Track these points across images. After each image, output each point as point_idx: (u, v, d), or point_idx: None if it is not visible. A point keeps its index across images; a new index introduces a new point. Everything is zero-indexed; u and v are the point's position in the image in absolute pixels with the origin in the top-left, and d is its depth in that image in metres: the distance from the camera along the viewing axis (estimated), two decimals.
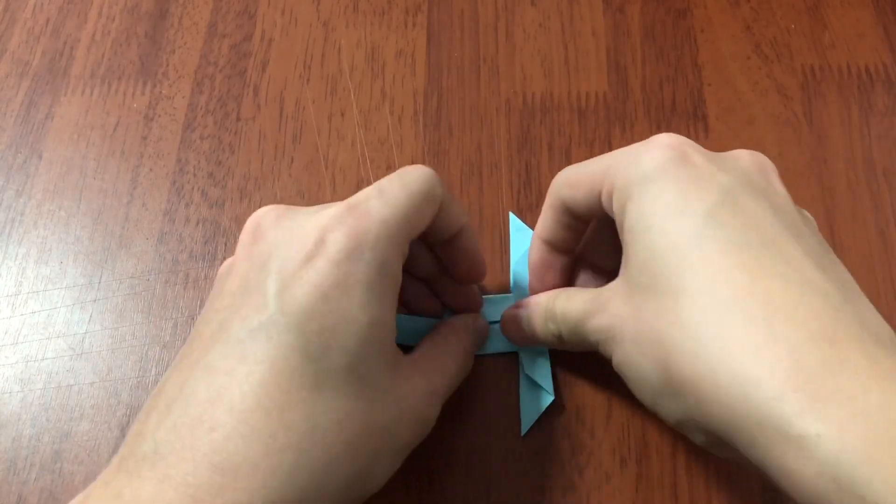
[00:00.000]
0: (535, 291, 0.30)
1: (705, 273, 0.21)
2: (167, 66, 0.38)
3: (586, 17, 0.39)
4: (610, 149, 0.35)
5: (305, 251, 0.22)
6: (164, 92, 0.38)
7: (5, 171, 0.36)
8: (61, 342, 0.32)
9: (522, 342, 0.30)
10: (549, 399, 0.30)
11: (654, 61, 0.38)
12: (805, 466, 0.18)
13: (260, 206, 0.34)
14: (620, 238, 0.24)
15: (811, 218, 0.25)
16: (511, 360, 0.31)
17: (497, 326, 0.31)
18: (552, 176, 0.35)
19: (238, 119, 0.37)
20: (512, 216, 0.34)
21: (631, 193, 0.23)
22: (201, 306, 0.32)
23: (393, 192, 0.24)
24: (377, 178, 0.35)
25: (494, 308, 0.31)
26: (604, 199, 0.25)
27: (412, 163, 0.35)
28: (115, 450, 0.30)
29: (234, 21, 0.40)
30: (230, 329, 0.21)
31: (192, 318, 0.32)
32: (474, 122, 0.36)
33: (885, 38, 0.38)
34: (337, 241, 0.22)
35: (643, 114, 0.36)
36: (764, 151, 0.35)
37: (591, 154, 0.35)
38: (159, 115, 0.37)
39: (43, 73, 0.38)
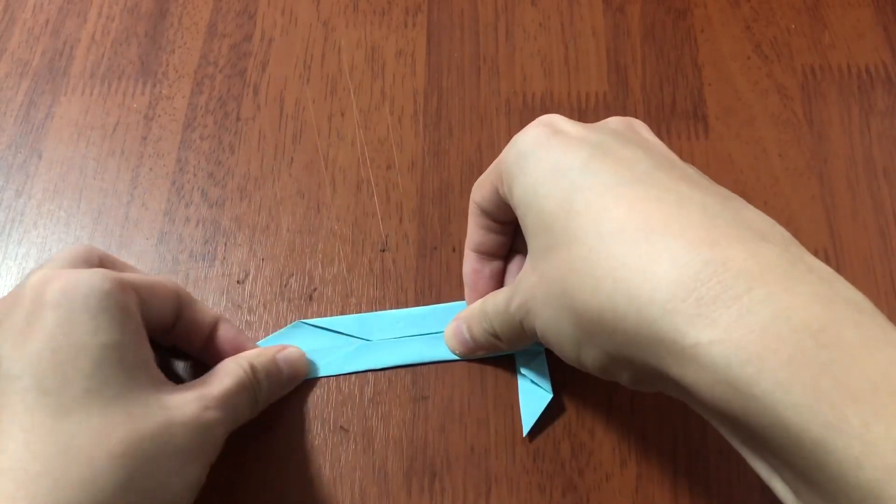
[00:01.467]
0: (471, 301, 0.30)
1: (588, 217, 0.21)
2: (167, 66, 0.38)
3: (586, 17, 0.39)
4: None
5: (26, 311, 0.23)
6: (164, 92, 0.38)
7: (5, 171, 0.36)
8: None
9: (467, 352, 0.30)
10: (547, 398, 0.30)
11: (654, 61, 0.38)
12: (702, 375, 0.18)
13: (260, 206, 0.35)
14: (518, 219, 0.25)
15: (693, 167, 0.26)
16: (510, 361, 0.31)
17: (374, 343, 0.32)
18: None
19: (238, 119, 0.37)
20: None
21: (513, 173, 0.24)
22: None
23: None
24: (377, 178, 0.35)
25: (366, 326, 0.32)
26: (500, 191, 0.26)
27: (412, 162, 0.35)
28: None
29: (234, 21, 0.40)
30: None
31: None
32: (474, 122, 0.36)
33: (885, 38, 0.38)
34: (54, 289, 0.23)
35: (643, 114, 0.36)
36: (764, 151, 0.35)
37: None
38: (159, 115, 0.37)
39: (43, 73, 0.38)
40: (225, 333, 0.29)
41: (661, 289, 0.19)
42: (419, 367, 0.31)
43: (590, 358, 0.23)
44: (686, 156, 0.35)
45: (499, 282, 0.30)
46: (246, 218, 0.34)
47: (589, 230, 0.21)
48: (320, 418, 0.30)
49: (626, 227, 0.20)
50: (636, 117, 0.36)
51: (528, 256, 0.25)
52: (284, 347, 0.30)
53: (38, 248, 0.34)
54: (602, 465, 0.29)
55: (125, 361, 0.23)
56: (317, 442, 0.30)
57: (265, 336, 0.32)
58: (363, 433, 0.30)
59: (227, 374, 0.27)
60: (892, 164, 0.35)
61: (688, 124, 0.36)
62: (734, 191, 0.35)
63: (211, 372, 0.27)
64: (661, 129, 0.36)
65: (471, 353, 0.30)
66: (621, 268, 0.20)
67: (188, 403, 0.24)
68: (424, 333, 0.31)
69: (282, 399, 0.30)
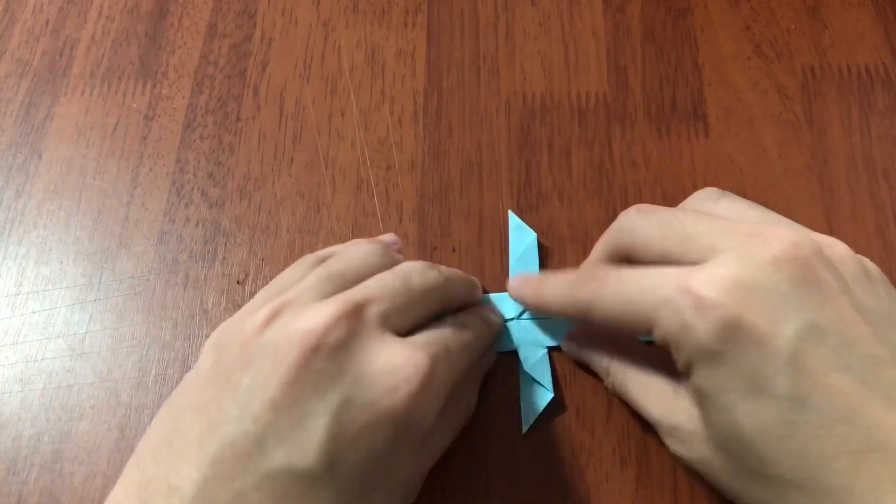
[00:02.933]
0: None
1: (802, 463, 0.21)
2: (167, 66, 0.38)
3: (586, 17, 0.39)
4: (610, 150, 0.35)
5: (372, 399, 0.21)
6: (164, 92, 0.38)
7: (5, 171, 0.36)
8: (61, 342, 0.32)
9: (534, 303, 0.30)
10: (548, 396, 0.30)
11: (654, 61, 0.38)
12: None
13: (260, 206, 0.34)
14: (687, 381, 0.24)
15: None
16: (511, 360, 0.31)
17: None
18: (552, 176, 0.35)
19: (238, 119, 0.37)
20: (511, 214, 0.34)
21: (694, 362, 0.23)
22: (201, 306, 0.32)
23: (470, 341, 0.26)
24: (377, 178, 0.35)
25: (499, 306, 0.31)
26: (656, 341, 0.24)
27: (412, 163, 0.35)
28: (114, 450, 0.30)
29: (234, 21, 0.40)
30: (271, 458, 0.20)
31: (192, 318, 0.32)
32: (474, 122, 0.36)
33: (885, 38, 0.38)
34: (409, 396, 0.22)
35: (643, 114, 0.36)
36: (764, 151, 0.35)
37: (590, 155, 0.35)
38: (159, 115, 0.37)
39: (43, 73, 0.38)
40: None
41: None
42: None
43: None
44: (686, 156, 0.35)
45: None
46: (246, 218, 0.34)
47: (803, 479, 0.21)
48: None
49: (854, 488, 0.20)
50: (636, 117, 0.36)
51: (701, 420, 0.24)
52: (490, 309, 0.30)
53: (38, 248, 0.34)
54: (602, 465, 0.29)
55: (407, 484, 0.24)
56: None
57: None
58: None
59: (459, 421, 0.28)
60: (891, 164, 0.35)
61: (688, 124, 0.36)
62: (734, 191, 0.35)
63: (450, 415, 0.27)
64: (661, 129, 0.36)
65: (536, 304, 0.29)
66: None
67: (416, 486, 0.26)
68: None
69: None
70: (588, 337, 0.30)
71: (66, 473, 0.29)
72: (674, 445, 0.25)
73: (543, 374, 0.30)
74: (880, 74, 0.37)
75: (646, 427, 0.30)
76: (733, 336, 0.21)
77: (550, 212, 0.34)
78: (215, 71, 0.38)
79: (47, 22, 0.40)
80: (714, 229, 0.24)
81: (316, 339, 0.22)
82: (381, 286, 0.25)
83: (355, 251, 0.27)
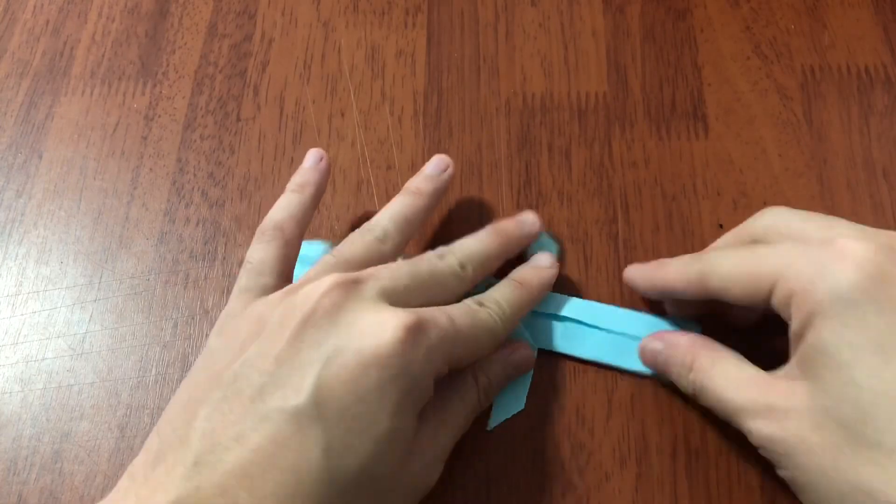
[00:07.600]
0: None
1: None
2: (167, 66, 0.38)
3: (586, 17, 0.39)
4: (610, 150, 0.35)
5: (360, 347, 0.23)
6: (164, 92, 0.38)
7: (5, 171, 0.36)
8: (61, 342, 0.32)
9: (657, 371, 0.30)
10: (519, 407, 0.30)
11: (654, 61, 0.38)
12: None
13: (260, 207, 0.34)
14: (798, 347, 0.23)
15: None
16: None
17: (555, 323, 0.31)
18: (552, 176, 0.35)
19: (238, 119, 0.37)
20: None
21: (822, 312, 0.22)
22: (201, 306, 0.32)
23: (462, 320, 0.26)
24: (377, 178, 0.35)
25: (553, 302, 0.31)
26: (775, 300, 0.24)
27: (412, 163, 0.35)
28: (115, 450, 0.30)
29: (234, 21, 0.40)
30: (268, 401, 0.22)
31: (192, 318, 0.32)
32: (474, 122, 0.36)
33: (885, 38, 0.38)
34: (393, 344, 0.23)
35: (643, 114, 0.36)
36: (764, 151, 0.35)
37: (590, 155, 0.35)
38: (159, 115, 0.37)
39: (43, 73, 0.38)
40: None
41: None
42: None
43: None
44: (686, 156, 0.35)
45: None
46: (246, 218, 0.34)
47: None
48: None
49: None
50: (636, 117, 0.36)
51: (804, 393, 0.23)
52: (516, 348, 0.30)
53: (38, 248, 0.34)
54: (602, 465, 0.29)
55: (397, 444, 0.23)
56: None
57: None
58: None
59: (462, 404, 0.27)
60: (891, 164, 0.35)
61: (688, 124, 0.36)
62: (733, 191, 0.35)
63: (446, 396, 0.27)
64: (661, 129, 0.36)
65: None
66: None
67: (426, 471, 0.25)
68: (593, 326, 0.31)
69: None
70: (668, 340, 0.29)
71: (67, 473, 0.30)
72: (763, 427, 0.24)
73: (522, 386, 0.30)
74: (880, 74, 0.37)
75: (646, 427, 0.30)
76: (874, 288, 0.21)
77: (550, 212, 0.34)
78: (215, 71, 0.38)
79: (47, 22, 0.40)
80: (855, 226, 0.24)
81: (314, 302, 0.24)
82: (387, 268, 0.27)
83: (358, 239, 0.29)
